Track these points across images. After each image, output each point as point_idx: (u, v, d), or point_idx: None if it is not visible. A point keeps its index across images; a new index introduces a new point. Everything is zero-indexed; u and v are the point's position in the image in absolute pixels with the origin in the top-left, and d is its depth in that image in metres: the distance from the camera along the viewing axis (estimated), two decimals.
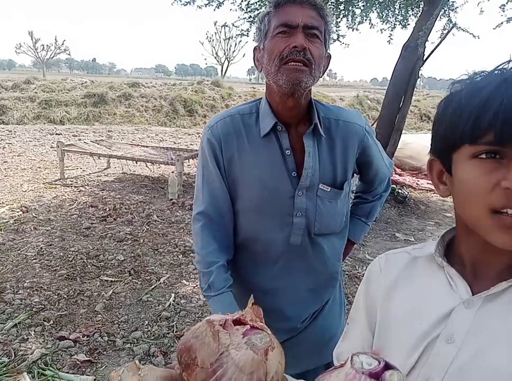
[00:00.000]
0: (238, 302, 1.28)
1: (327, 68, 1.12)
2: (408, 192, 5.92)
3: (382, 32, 7.12)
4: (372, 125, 6.24)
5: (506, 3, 5.30)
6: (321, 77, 1.10)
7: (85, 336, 2.54)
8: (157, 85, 16.60)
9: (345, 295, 3.08)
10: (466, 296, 0.59)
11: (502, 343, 0.55)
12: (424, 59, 5.09)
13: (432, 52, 5.12)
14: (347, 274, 3.59)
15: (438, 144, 0.60)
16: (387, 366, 0.43)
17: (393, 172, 6.81)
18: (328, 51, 1.11)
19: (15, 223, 4.34)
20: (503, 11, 5.33)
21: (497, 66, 0.55)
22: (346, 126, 1.16)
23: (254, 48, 1.14)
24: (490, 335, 0.56)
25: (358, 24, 7.05)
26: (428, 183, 6.71)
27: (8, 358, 2.30)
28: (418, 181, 6.82)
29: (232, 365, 0.46)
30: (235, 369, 0.46)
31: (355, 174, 1.29)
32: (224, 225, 1.20)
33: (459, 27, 5.71)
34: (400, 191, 5.78)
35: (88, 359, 2.34)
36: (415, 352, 0.61)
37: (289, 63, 1.02)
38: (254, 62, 1.14)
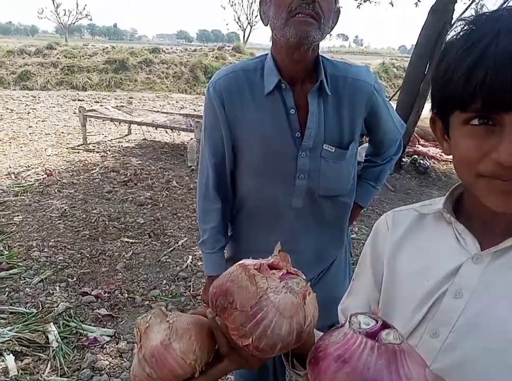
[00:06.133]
0: (242, 258, 1.32)
1: (336, 23, 1.09)
2: (430, 164, 5.81)
3: None
4: (395, 93, 6.07)
5: None
6: (329, 33, 1.06)
7: (107, 293, 2.67)
8: (178, 51, 16.42)
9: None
10: (475, 251, 0.59)
11: (510, 297, 0.55)
12: (452, 23, 4.87)
13: (461, 15, 4.88)
14: (362, 242, 3.61)
15: (435, 105, 0.58)
16: (385, 326, 0.44)
17: (416, 143, 6.68)
18: (337, 5, 1.07)
19: (40, 185, 4.49)
20: None
21: (502, 4, 0.51)
22: (354, 84, 1.12)
23: (261, 0, 1.10)
24: (498, 290, 0.56)
25: None
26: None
27: (36, 309, 2.45)
28: (442, 152, 6.65)
29: (272, 309, 0.46)
30: (275, 312, 0.46)
31: (364, 137, 1.27)
32: (223, 176, 1.23)
33: None
34: (421, 162, 5.68)
35: (109, 313, 2.47)
36: (423, 307, 0.61)
37: (297, 16, 0.98)
38: (260, 15, 1.10)
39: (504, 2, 0.51)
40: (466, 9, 4.92)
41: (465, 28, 0.52)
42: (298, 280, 0.49)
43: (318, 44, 1.06)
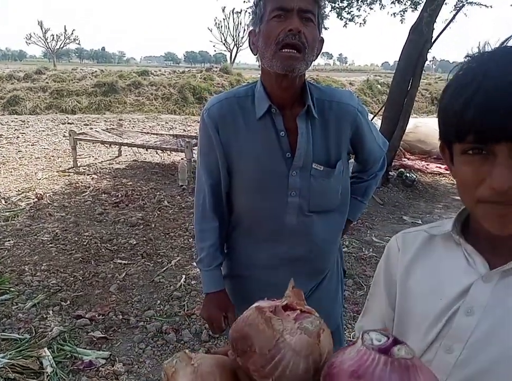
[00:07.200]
0: (239, 274, 1.36)
1: (320, 52, 1.16)
2: (416, 176, 5.92)
3: (394, 16, 7.02)
4: (380, 109, 6.22)
5: None
6: (314, 61, 1.13)
7: (101, 315, 2.66)
8: (166, 73, 16.60)
9: (351, 276, 3.14)
10: (484, 271, 0.62)
11: None
12: (432, 40, 5.04)
13: (440, 33, 5.06)
14: (353, 256, 3.65)
15: (441, 134, 0.63)
16: (396, 342, 0.46)
17: (402, 156, 6.81)
18: (321, 35, 1.14)
19: (31, 209, 4.48)
20: None
21: (503, 42, 0.56)
22: (339, 107, 1.20)
23: (249, 32, 1.18)
24: (508, 307, 0.59)
25: (370, 5, 6.97)
26: (437, 167, 6.68)
27: (30, 335, 2.43)
28: (427, 165, 6.79)
29: (289, 351, 0.48)
30: (292, 353, 0.48)
31: (351, 155, 1.34)
32: (219, 197, 1.29)
33: (472, 2, 5.57)
34: (408, 175, 5.79)
35: (103, 335, 2.46)
36: (437, 324, 0.64)
37: (284, 50, 1.05)
38: (250, 46, 1.18)
39: (505, 41, 0.56)
40: (445, 27, 5.11)
41: (465, 66, 0.57)
42: (312, 319, 0.51)
43: (304, 72, 1.13)
